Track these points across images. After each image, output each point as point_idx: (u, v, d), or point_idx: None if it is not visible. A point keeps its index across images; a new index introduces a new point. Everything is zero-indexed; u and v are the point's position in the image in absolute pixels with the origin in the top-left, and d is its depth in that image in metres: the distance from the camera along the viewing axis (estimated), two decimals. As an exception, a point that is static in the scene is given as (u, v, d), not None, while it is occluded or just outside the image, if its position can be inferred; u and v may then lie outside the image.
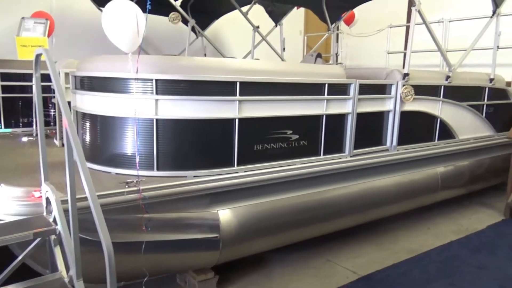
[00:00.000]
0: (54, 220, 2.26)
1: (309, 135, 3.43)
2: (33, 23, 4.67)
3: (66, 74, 3.75)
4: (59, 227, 2.20)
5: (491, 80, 5.14)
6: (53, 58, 2.11)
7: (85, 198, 1.89)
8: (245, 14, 6.01)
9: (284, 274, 3.33)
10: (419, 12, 4.04)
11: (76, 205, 2.07)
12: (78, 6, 6.63)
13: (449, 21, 7.31)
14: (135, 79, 2.74)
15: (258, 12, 6.68)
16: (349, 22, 8.14)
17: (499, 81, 5.34)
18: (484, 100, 5.05)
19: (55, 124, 4.29)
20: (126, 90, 2.81)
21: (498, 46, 5.31)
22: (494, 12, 5.04)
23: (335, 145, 3.63)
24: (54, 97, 4.45)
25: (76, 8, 6.65)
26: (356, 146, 3.75)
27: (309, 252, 3.68)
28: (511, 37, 6.38)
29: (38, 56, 2.26)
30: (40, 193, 2.42)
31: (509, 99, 5.48)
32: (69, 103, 3.37)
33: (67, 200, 2.08)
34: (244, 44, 7.53)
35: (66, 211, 2.17)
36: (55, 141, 4.04)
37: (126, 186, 2.57)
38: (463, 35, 7.06)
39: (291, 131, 3.30)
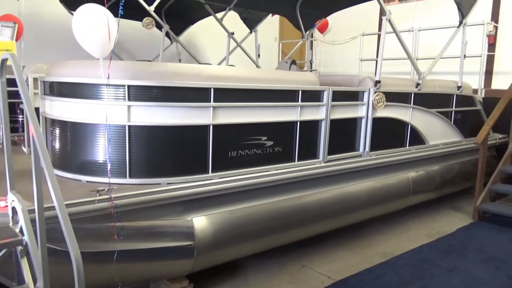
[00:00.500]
0: (21, 231, 2.17)
1: (284, 141, 3.45)
2: (0, 27, 4.53)
3: (35, 79, 3.64)
4: (25, 237, 2.12)
5: (459, 87, 5.32)
6: (21, 63, 2.06)
7: (54, 207, 1.84)
8: (219, 21, 6.02)
9: (260, 280, 3.32)
10: (389, 21, 4.14)
11: (44, 214, 2.01)
12: (48, 9, 6.47)
13: (419, 30, 7.53)
14: (107, 85, 2.69)
15: (233, 19, 6.70)
16: (322, 30, 8.27)
17: (466, 88, 5.53)
18: (452, 107, 5.22)
19: (23, 131, 4.16)
20: (97, 96, 2.75)
21: (465, 55, 5.51)
22: (460, 22, 5.23)
23: (309, 151, 3.67)
24: (22, 102, 4.31)
25: (46, 12, 6.49)
26: (330, 152, 3.79)
27: (284, 258, 3.69)
28: (477, 46, 6.63)
29: (3, 61, 2.18)
30: (6, 202, 2.33)
31: (476, 106, 5.68)
32: (38, 109, 3.28)
33: (34, 210, 2.02)
34: (219, 50, 7.53)
35: (33, 220, 2.09)
36: (23, 148, 3.91)
37: (97, 194, 2.51)
38: (432, 44, 7.29)
39: (265, 138, 3.30)
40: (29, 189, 2.47)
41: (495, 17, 7.14)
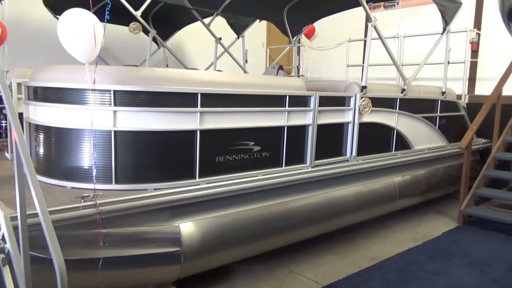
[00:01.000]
0: (3, 238, 2.13)
1: (271, 146, 3.46)
2: (-17, 31, 4.45)
3: (19, 84, 3.59)
4: (7, 245, 2.07)
5: (443, 93, 5.40)
6: (5, 67, 2.02)
7: (37, 214, 1.80)
8: (207, 26, 6.02)
9: (248, 286, 3.30)
10: (375, 27, 4.19)
11: (27, 221, 1.97)
12: (32, 13, 6.39)
13: (404, 37, 7.64)
14: (92, 90, 2.66)
15: (220, 24, 6.71)
16: (309, 35, 8.33)
17: (450, 94, 5.62)
18: (437, 112, 5.30)
19: (6, 136, 4.09)
20: (82, 101, 2.72)
21: (448, 61, 5.60)
22: (444, 29, 5.32)
23: (296, 156, 3.68)
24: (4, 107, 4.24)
25: (30, 16, 6.41)
26: (317, 157, 3.81)
27: (272, 263, 3.68)
28: (460, 53, 6.75)
29: (-14, 65, 2.15)
30: (-12, 209, 2.28)
31: (460, 111, 5.77)
32: (21, 114, 3.23)
33: (17, 217, 1.98)
34: (207, 55, 7.52)
35: (16, 228, 2.05)
36: (6, 154, 3.84)
37: (82, 201, 2.47)
38: (417, 50, 7.40)
39: (253, 143, 3.31)
40: (11, 196, 2.42)
41: (477, 24, 7.29)
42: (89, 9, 2.62)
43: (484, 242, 4.31)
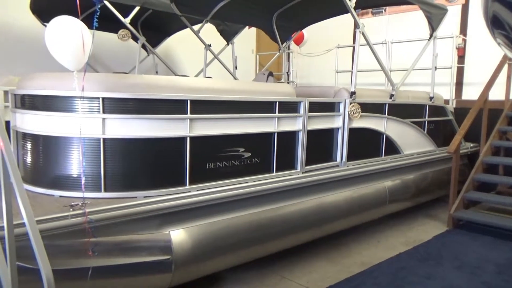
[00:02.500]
0: (-11, 249, 2.08)
1: (261, 152, 3.46)
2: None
3: (5, 92, 3.55)
4: (-6, 256, 2.03)
5: (431, 98, 5.47)
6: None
7: (24, 224, 1.77)
8: (196, 33, 6.03)
9: (239, 294, 3.28)
10: (363, 33, 4.23)
11: (14, 231, 1.93)
12: (20, 21, 6.33)
13: (392, 43, 7.73)
14: (81, 97, 2.64)
15: (210, 31, 6.72)
16: (298, 42, 8.39)
17: (438, 99, 5.69)
18: (425, 117, 5.35)
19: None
20: (70, 109, 2.70)
21: (436, 67, 5.68)
22: (431, 35, 5.40)
23: (287, 162, 3.68)
24: (-8, 116, 4.18)
25: (18, 23, 6.35)
26: (308, 163, 3.82)
27: (264, 270, 3.66)
28: (447, 58, 6.85)
29: (-28, 73, 2.12)
30: (-27, 219, 2.24)
31: (448, 116, 5.84)
32: (8, 122, 3.19)
33: (3, 227, 1.94)
34: (196, 62, 7.52)
35: (2, 238, 2.02)
36: (-8, 163, 3.78)
37: (71, 210, 2.44)
38: (405, 56, 7.49)
39: (243, 149, 3.30)
40: (-2, 206, 2.38)
41: (463, 30, 7.41)
42: (77, 16, 2.61)
43: (473, 245, 4.35)
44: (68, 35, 2.39)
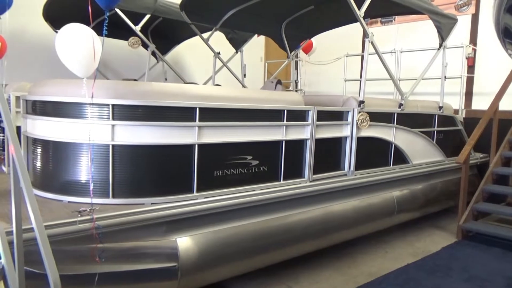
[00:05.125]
0: (-2, 254, 2.10)
1: (269, 160, 3.46)
2: (-17, 45, 4.47)
3: (17, 98, 3.60)
4: (2, 260, 2.05)
5: (440, 108, 5.43)
6: (4, 81, 2.03)
7: (33, 229, 1.79)
8: (206, 41, 6.07)
9: (244, 302, 3.26)
10: (372, 43, 4.23)
11: (22, 236, 1.95)
12: (32, 27, 6.44)
13: (401, 52, 7.72)
14: (90, 104, 2.67)
15: (219, 38, 6.77)
16: (307, 50, 8.41)
17: (447, 109, 5.66)
18: (434, 126, 5.32)
19: (4, 150, 4.08)
20: (80, 115, 2.73)
21: (445, 77, 5.65)
22: (440, 45, 5.38)
23: (294, 171, 3.67)
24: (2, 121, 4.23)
25: (30, 30, 6.46)
26: (315, 171, 3.80)
27: (270, 279, 3.64)
28: (457, 68, 6.81)
29: (-15, 79, 2.15)
30: (-17, 224, 2.26)
31: (457, 125, 5.79)
32: (19, 128, 3.23)
33: (12, 232, 1.96)
34: (205, 69, 7.57)
35: (11, 243, 2.03)
36: (2, 167, 3.82)
37: (79, 215, 2.45)
38: (414, 65, 7.47)
39: (251, 157, 3.30)
40: (8, 210, 2.41)
41: (473, 40, 7.38)
42: (89, 23, 2.64)
43: (483, 257, 4.29)
44: (78, 42, 2.42)
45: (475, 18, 7.42)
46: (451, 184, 5.54)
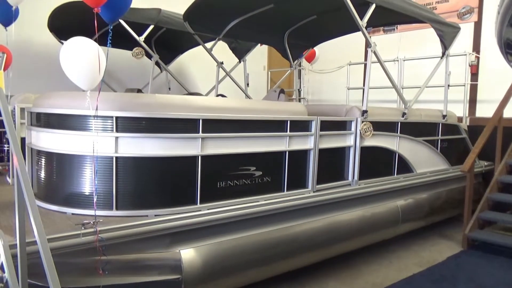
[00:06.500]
0: (2, 267, 2.10)
1: (272, 171, 3.45)
2: (-11, 57, 4.51)
3: (22, 109, 3.62)
4: (6, 274, 2.05)
5: (444, 116, 5.41)
6: (9, 93, 2.04)
7: (36, 242, 1.79)
8: (209, 50, 6.10)
9: (248, 314, 3.24)
10: (374, 53, 4.23)
11: (26, 249, 1.95)
12: (38, 39, 6.50)
13: (404, 60, 7.72)
14: (94, 116, 2.68)
15: (222, 48, 6.80)
16: (310, 59, 8.43)
17: (451, 117, 5.64)
18: (438, 135, 5.30)
19: (9, 160, 4.10)
20: (84, 127, 2.74)
21: (448, 85, 5.64)
22: (443, 54, 5.37)
23: (298, 181, 3.66)
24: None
25: (35, 41, 6.52)
26: (319, 182, 3.79)
27: (274, 290, 3.62)
28: (460, 76, 6.80)
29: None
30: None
31: (461, 134, 5.77)
32: (24, 139, 3.25)
33: (16, 245, 1.96)
34: (209, 79, 7.59)
35: (15, 256, 2.03)
36: (7, 178, 3.84)
37: (82, 228, 2.45)
38: (417, 73, 7.47)
39: (254, 168, 3.30)
40: (11, 222, 2.41)
41: (476, 47, 7.38)
42: (94, 33, 2.66)
43: (489, 267, 4.24)
44: (82, 57, 2.43)
45: (477, 26, 7.42)
46: (456, 193, 5.50)
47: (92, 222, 2.52)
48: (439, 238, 5.22)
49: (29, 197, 1.79)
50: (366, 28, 4.08)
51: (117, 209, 2.75)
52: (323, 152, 3.79)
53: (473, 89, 7.32)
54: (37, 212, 1.78)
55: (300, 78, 9.46)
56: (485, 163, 6.07)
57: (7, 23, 5.15)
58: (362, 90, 8.19)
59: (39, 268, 2.01)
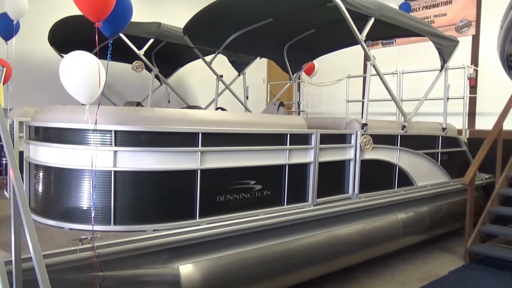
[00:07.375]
0: (-4, 284, 2.06)
1: (272, 185, 3.42)
2: (-11, 71, 4.52)
3: (21, 123, 3.61)
4: (1, 291, 2.01)
5: (444, 129, 5.41)
6: (8, 106, 2.03)
7: (31, 258, 1.76)
8: (209, 64, 6.13)
9: (248, 331, 3.18)
10: (374, 66, 4.24)
11: (21, 266, 1.92)
12: (38, 53, 6.53)
13: (402, 73, 7.75)
14: (93, 130, 2.66)
15: (221, 61, 6.83)
16: (309, 72, 8.47)
17: (451, 130, 5.63)
18: (438, 148, 5.28)
19: (6, 174, 4.07)
20: (83, 142, 2.72)
21: (448, 98, 5.64)
22: (442, 67, 5.40)
23: (298, 195, 3.63)
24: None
25: (36, 55, 6.54)
26: (319, 195, 3.76)
27: (274, 306, 3.55)
28: (459, 88, 6.82)
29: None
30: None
31: (461, 146, 5.76)
32: (22, 153, 3.23)
33: (11, 261, 1.93)
34: (208, 92, 7.61)
35: (10, 272, 2.00)
36: (5, 192, 3.80)
37: (79, 243, 2.42)
38: (416, 86, 7.49)
39: (254, 181, 3.27)
40: (7, 238, 2.37)
41: (474, 60, 7.41)
42: (94, 47, 2.66)
43: (492, 281, 4.19)
44: (81, 70, 2.43)
45: (475, 39, 7.47)
46: (457, 206, 5.47)
47: (89, 238, 2.48)
48: (441, 252, 5.17)
49: (25, 212, 1.76)
50: (365, 41, 4.10)
51: (115, 224, 2.72)
52: (323, 166, 3.77)
53: (472, 102, 7.34)
54: (33, 228, 1.75)
55: (299, 91, 9.48)
56: (486, 176, 6.05)
57: (8, 37, 5.17)
58: (361, 102, 8.20)
59: (35, 285, 1.97)
